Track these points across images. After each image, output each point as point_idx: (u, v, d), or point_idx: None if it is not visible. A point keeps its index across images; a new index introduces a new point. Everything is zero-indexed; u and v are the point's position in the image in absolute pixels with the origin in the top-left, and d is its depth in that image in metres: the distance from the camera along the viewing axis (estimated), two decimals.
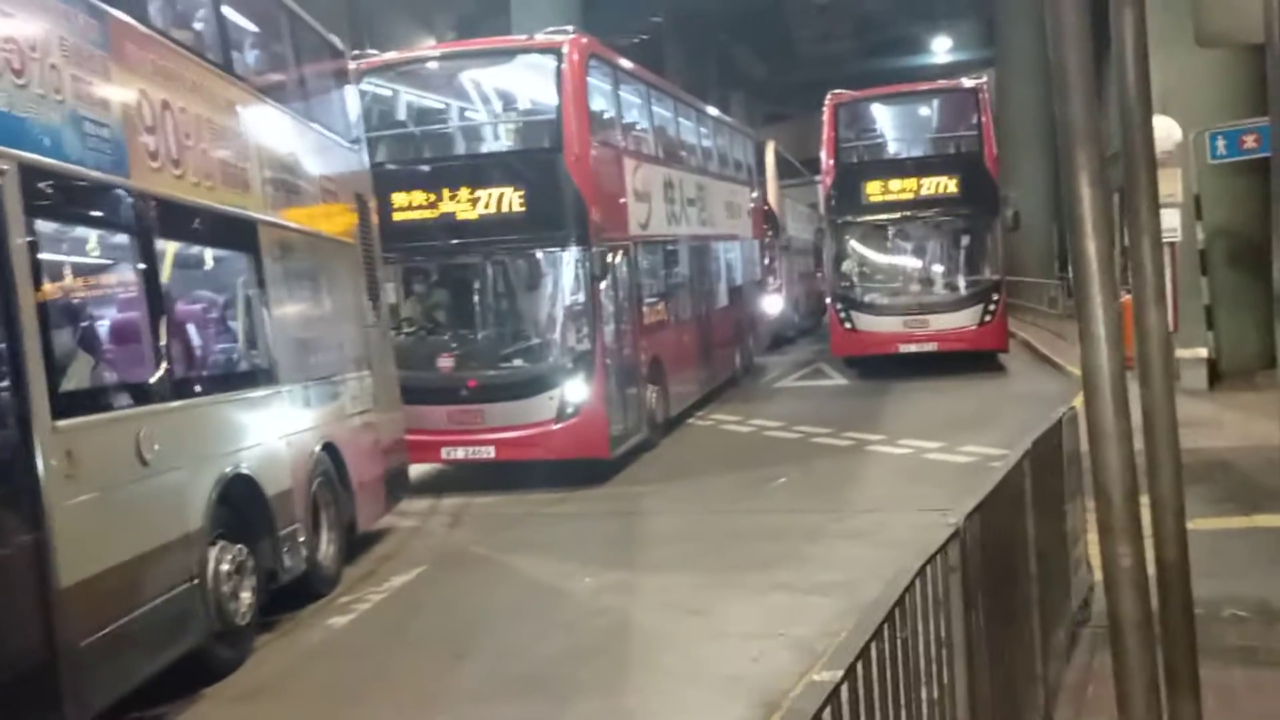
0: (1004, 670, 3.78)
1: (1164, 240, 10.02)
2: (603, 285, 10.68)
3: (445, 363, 10.68)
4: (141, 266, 5.60)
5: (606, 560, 7.77)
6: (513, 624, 6.52)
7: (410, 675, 5.82)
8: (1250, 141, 10.82)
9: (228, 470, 5.97)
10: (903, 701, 2.43)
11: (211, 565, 5.72)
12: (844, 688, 1.96)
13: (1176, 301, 11.31)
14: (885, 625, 2.25)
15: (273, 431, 6.68)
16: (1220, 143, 11.24)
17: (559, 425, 10.36)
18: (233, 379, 6.64)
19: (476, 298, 11.29)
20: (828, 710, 1.87)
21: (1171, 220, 10.97)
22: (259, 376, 6.75)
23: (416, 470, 10.28)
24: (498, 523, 9.30)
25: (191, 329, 6.35)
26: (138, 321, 5.68)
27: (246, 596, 6.02)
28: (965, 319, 16.33)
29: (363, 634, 6.61)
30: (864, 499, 9.08)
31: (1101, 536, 2.41)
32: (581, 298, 10.55)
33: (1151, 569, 3.03)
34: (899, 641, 2.42)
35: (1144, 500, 3.06)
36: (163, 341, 5.60)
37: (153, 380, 5.50)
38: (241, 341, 6.86)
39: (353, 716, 5.26)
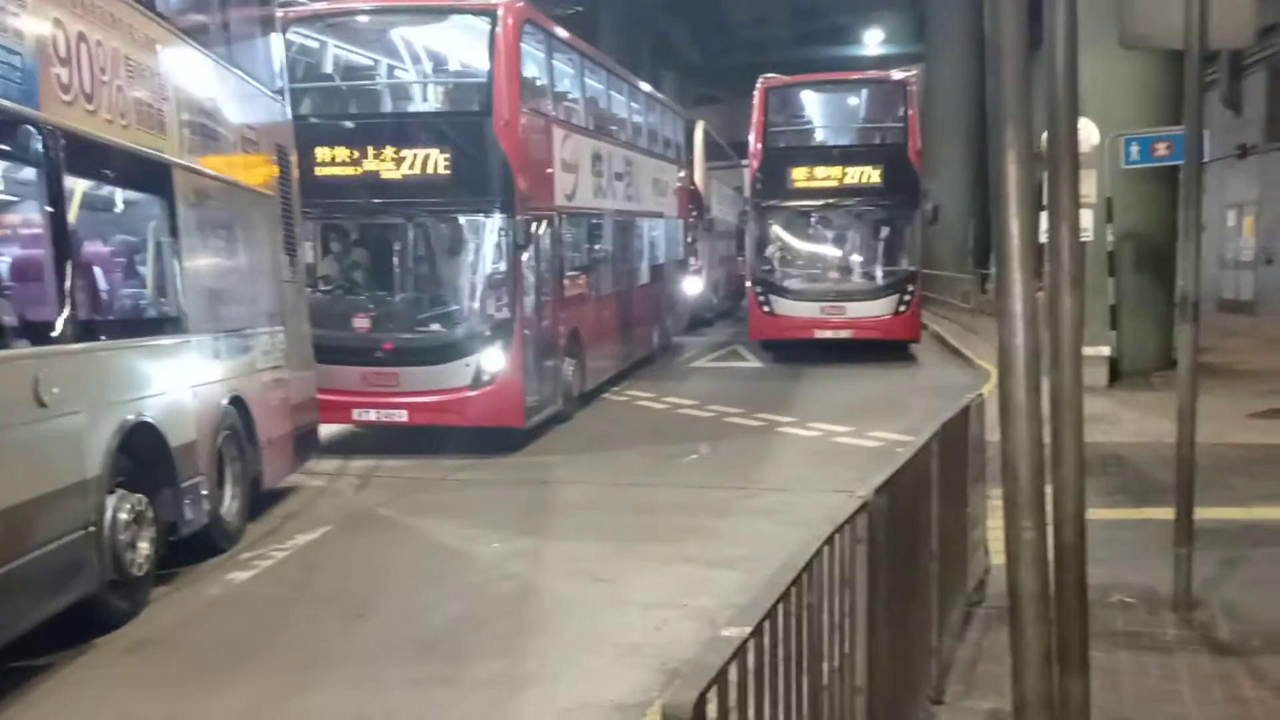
0: (902, 643, 3.88)
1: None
2: (525, 255, 10.61)
3: (361, 323, 10.52)
4: (48, 203, 5.39)
5: (515, 527, 7.76)
6: (416, 586, 6.48)
7: (309, 632, 5.74)
8: (1162, 149, 11.16)
9: (130, 418, 5.80)
10: (805, 667, 2.48)
11: (109, 514, 5.57)
12: (750, 645, 1.98)
13: (1082, 300, 11.63)
14: (793, 588, 2.28)
15: (179, 381, 6.50)
16: (1134, 148, 11.56)
17: (474, 392, 10.29)
18: (139, 325, 6.45)
19: (396, 259, 11.14)
20: (733, 667, 1.89)
21: (1085, 220, 11.26)
22: (166, 325, 6.57)
23: (326, 430, 10.12)
24: (407, 486, 9.22)
25: (98, 271, 6.14)
26: (41, 260, 5.47)
27: (144, 547, 5.88)
28: (881, 308, 16.62)
29: (262, 590, 6.50)
30: (773, 478, 9.19)
31: (1006, 510, 2.48)
32: (503, 266, 10.46)
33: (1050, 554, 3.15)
34: (805, 608, 2.46)
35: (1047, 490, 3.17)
36: (67, 282, 5.41)
37: (54, 321, 5.30)
38: (150, 288, 6.66)
39: (247, 671, 5.17)
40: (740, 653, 1.89)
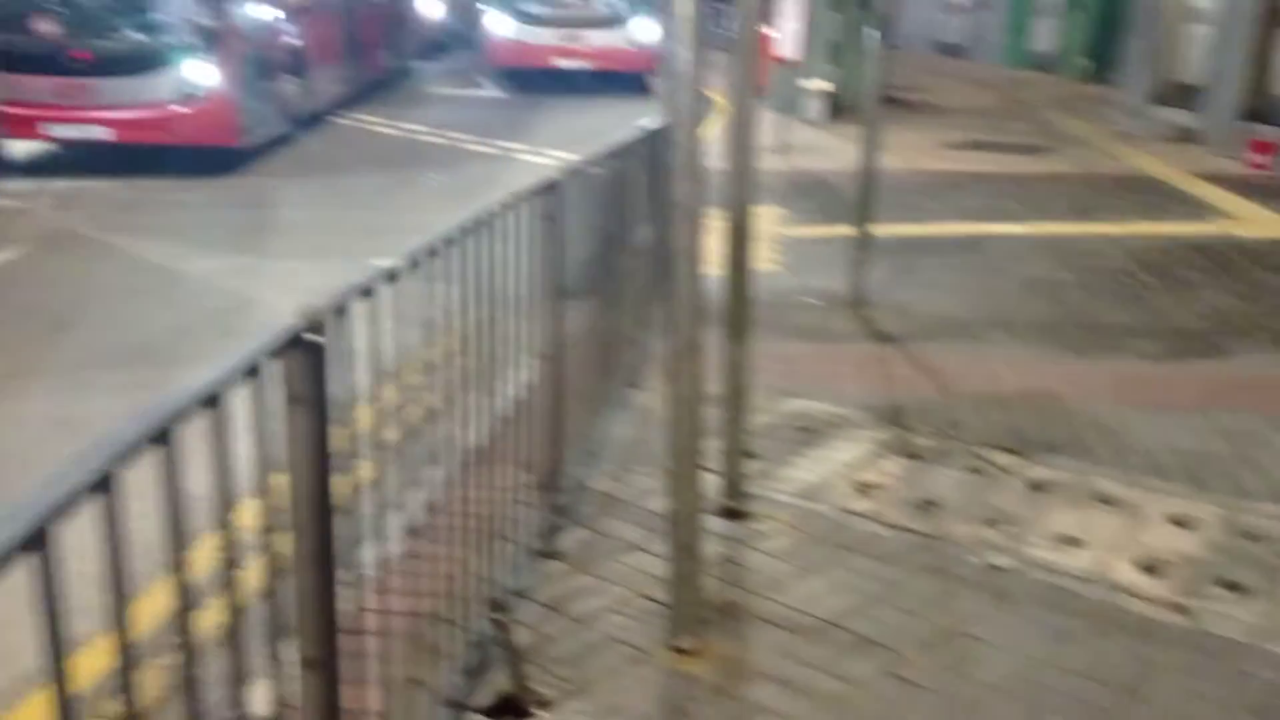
0: (599, 328, 4.17)
1: None
2: None
3: (47, 27, 9.47)
4: None
5: (230, 246, 7.54)
6: (121, 301, 6.26)
7: (10, 345, 5.49)
8: None
9: None
10: (473, 313, 2.66)
11: None
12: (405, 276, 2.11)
13: (808, 34, 12.00)
14: (465, 238, 2.41)
15: None
16: None
17: (183, 107, 9.62)
18: None
19: None
20: (387, 291, 2.01)
21: None
22: None
23: (23, 149, 9.29)
24: (112, 206, 8.68)
25: None
26: None
27: None
28: (622, 39, 16.46)
29: None
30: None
31: (675, 177, 2.67)
32: None
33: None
34: (484, 263, 2.62)
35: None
36: None
37: None
38: None
39: None
40: (393, 278, 2.03)
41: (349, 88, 14.11)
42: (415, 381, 2.45)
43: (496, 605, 2.64)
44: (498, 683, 2.67)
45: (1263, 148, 10.58)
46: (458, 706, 2.58)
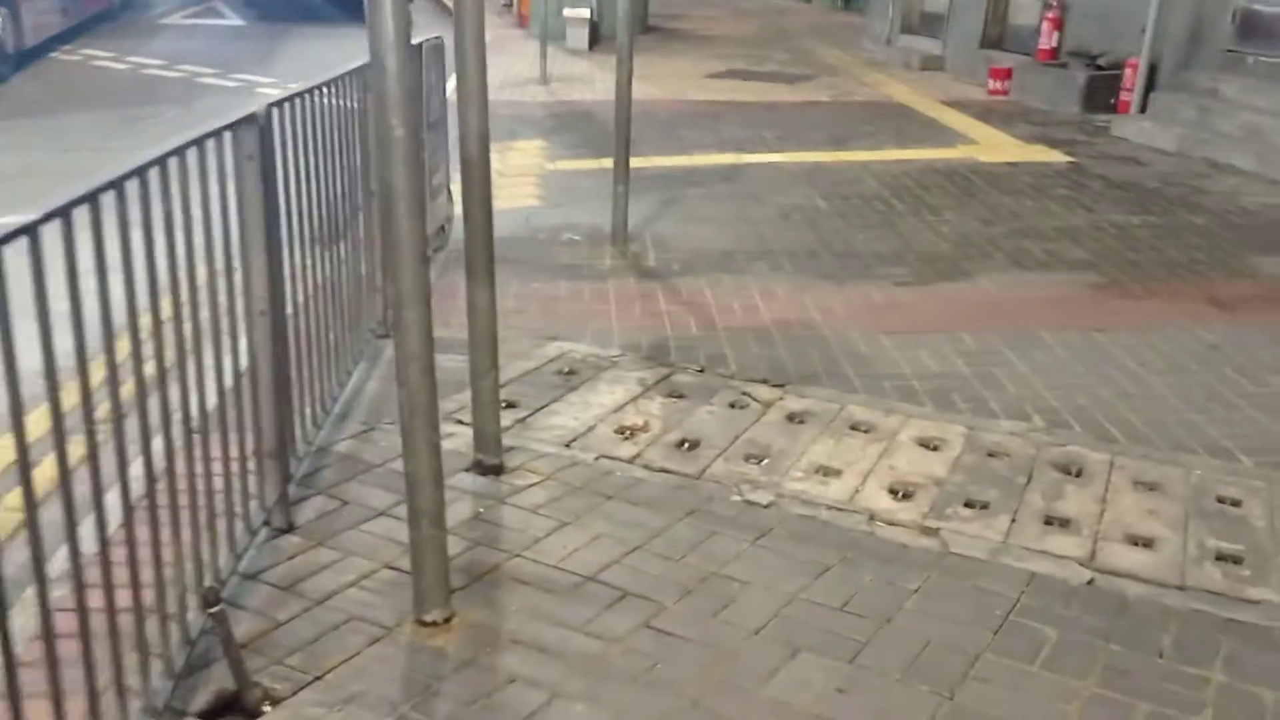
0: (346, 275, 3.87)
1: None
2: None
3: None
4: None
5: None
6: None
7: None
8: None
9: None
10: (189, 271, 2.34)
11: None
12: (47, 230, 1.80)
13: None
14: (133, 179, 2.08)
15: None
16: None
17: None
18: None
19: None
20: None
21: None
22: None
23: None
24: None
25: None
26: None
27: None
28: None
29: None
30: None
31: (376, 108, 2.40)
32: None
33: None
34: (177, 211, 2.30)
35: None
36: None
37: None
38: None
39: None
40: (31, 233, 1.71)
41: (70, 19, 12.85)
42: (111, 350, 2.12)
43: (211, 593, 2.35)
44: (217, 681, 2.40)
45: (1000, 74, 11.10)
46: (170, 712, 2.29)
